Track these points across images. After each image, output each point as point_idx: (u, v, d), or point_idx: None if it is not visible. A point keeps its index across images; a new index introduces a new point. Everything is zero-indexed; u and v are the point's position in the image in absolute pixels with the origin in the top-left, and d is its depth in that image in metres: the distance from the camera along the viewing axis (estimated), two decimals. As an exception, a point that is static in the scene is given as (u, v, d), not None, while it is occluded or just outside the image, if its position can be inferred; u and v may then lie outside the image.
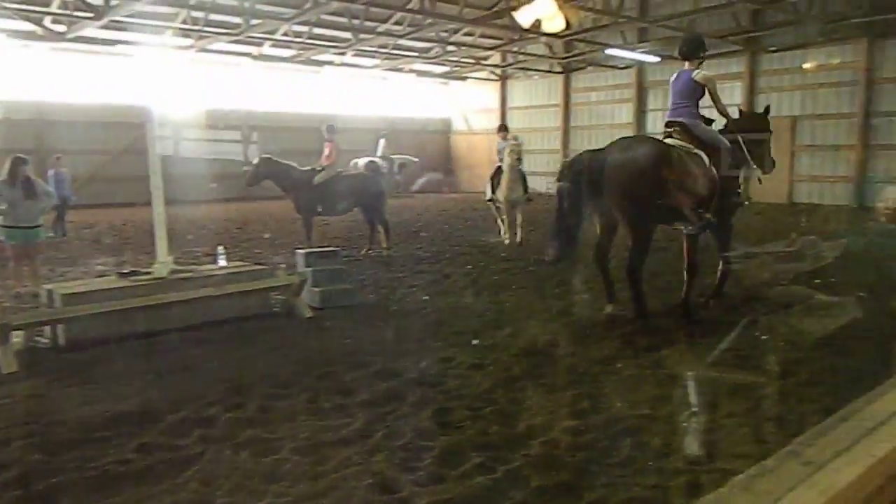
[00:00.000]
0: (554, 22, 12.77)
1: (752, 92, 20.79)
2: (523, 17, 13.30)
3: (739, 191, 6.95)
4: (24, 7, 16.15)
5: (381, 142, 23.79)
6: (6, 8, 15.47)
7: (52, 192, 8.79)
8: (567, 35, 20.19)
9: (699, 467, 3.68)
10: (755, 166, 6.94)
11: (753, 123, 7.26)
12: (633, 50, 21.16)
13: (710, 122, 6.75)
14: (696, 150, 6.38)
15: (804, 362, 5.36)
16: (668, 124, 6.73)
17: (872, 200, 16.24)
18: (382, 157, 23.34)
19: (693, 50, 6.71)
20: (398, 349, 5.93)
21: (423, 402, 4.66)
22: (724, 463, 3.72)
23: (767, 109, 7.42)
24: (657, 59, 21.75)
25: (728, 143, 6.66)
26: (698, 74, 6.55)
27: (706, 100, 6.66)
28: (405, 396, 4.74)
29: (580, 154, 6.79)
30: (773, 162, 7.24)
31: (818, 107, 19.61)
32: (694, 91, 6.56)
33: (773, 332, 6.10)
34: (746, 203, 7.39)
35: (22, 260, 7.93)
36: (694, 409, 4.54)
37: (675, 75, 6.76)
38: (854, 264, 8.40)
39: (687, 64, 6.67)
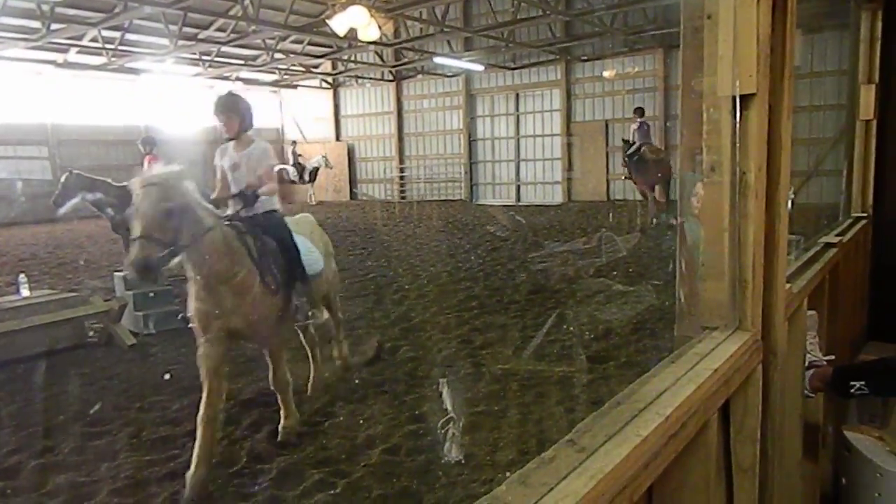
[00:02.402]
0: (369, 30, 12.90)
1: (568, 97, 22.30)
2: (337, 24, 13.29)
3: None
4: None
5: (290, 149, 24.48)
6: None
7: None
8: (395, 43, 20.48)
9: (531, 456, 3.85)
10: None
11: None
12: (459, 59, 21.89)
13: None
14: (660, 156, 13.37)
15: (622, 346, 5.83)
16: (641, 145, 13.13)
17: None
18: (295, 165, 23.85)
19: (642, 112, 13.69)
20: (232, 370, 5.62)
21: (258, 423, 4.49)
22: (554, 449, 3.93)
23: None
24: (482, 67, 22.67)
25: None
26: (648, 122, 12.98)
27: None
28: (240, 419, 4.54)
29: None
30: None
31: (627, 111, 21.41)
32: (649, 130, 13.38)
33: (590, 321, 6.56)
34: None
35: None
36: (523, 401, 4.75)
37: (637, 123, 13.51)
38: (648, 255, 9.26)
39: (639, 119, 13.49)
